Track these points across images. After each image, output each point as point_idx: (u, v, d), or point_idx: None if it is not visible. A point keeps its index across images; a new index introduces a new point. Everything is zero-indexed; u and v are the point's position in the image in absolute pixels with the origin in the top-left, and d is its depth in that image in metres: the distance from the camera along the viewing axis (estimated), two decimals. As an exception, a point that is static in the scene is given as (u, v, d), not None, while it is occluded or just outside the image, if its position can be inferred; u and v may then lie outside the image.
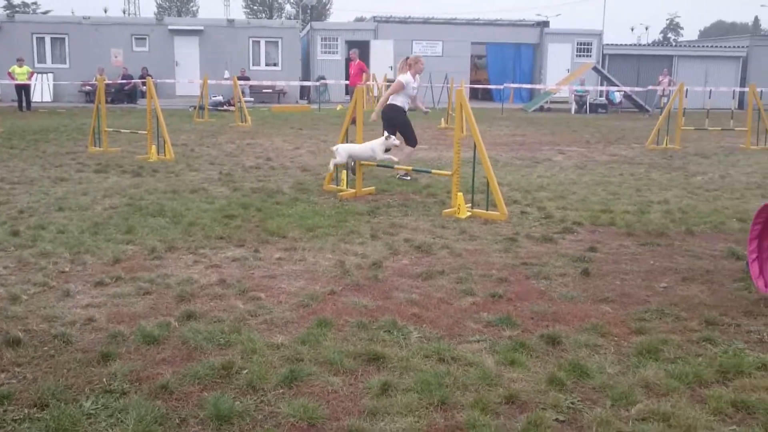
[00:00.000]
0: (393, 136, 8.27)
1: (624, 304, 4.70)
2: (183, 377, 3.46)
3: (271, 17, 70.68)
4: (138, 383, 3.40)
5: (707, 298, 4.83)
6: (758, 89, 16.06)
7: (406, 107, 9.78)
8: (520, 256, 5.88)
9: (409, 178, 9.67)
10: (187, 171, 10.26)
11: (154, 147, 11.52)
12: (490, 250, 6.04)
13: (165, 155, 11.43)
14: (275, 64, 30.42)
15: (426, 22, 33.37)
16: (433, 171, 8.57)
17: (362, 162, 8.54)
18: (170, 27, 29.60)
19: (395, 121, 9.67)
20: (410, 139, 9.84)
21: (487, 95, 33.38)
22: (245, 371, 3.52)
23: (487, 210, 7.42)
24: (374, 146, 8.36)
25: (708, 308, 4.60)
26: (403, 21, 33.03)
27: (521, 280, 5.20)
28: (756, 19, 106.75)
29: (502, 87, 28.34)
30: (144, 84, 12.74)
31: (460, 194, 7.48)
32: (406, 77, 9.54)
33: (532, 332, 4.15)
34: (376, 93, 27.44)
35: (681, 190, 9.21)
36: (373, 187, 8.77)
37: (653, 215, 7.55)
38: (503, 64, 33.58)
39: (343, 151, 8.38)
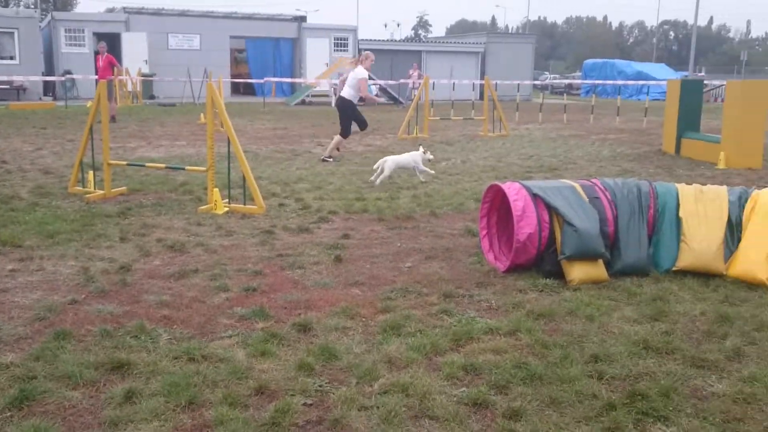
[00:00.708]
0: (429, 151, 9.32)
1: (372, 285, 4.95)
2: None
3: (6, 5, 63.75)
4: None
5: (446, 274, 5.25)
6: (493, 82, 17.74)
7: (356, 100, 11.39)
8: (276, 248, 5.93)
9: (332, 160, 11.29)
10: None
11: None
12: (247, 244, 6.03)
13: None
14: (12, 58, 27.53)
15: (182, 14, 32.25)
16: (188, 167, 8.33)
17: (110, 162, 8.05)
18: None
19: (347, 112, 11.31)
20: (361, 123, 11.57)
21: (249, 89, 33.13)
22: (-35, 398, 3.17)
23: (244, 204, 7.39)
24: (415, 158, 9.04)
25: (446, 283, 5.00)
26: (157, 13, 31.65)
27: (276, 272, 5.25)
28: (493, 18, 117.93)
29: (263, 81, 28.33)
30: None
31: (216, 190, 7.36)
32: (365, 72, 11.20)
33: (284, 322, 4.21)
34: (130, 88, 26.05)
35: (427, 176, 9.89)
36: (125, 187, 8.32)
37: (402, 200, 8.03)
38: (263, 58, 33.59)
39: (392, 163, 8.77)
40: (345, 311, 4.38)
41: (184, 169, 8.39)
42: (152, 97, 28.45)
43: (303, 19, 35.16)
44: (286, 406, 3.13)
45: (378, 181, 8.72)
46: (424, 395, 3.26)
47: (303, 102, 28.50)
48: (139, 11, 31.21)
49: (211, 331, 4.07)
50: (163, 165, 8.67)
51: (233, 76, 32.07)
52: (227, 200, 7.49)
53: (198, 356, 3.67)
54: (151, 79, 28.62)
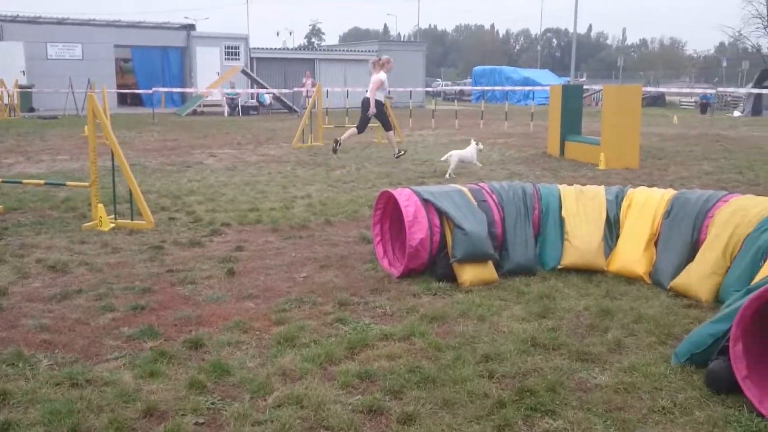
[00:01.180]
0: (480, 143, 11.09)
1: (267, 298, 4.88)
2: None
3: None
4: None
5: (341, 282, 5.25)
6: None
7: (383, 99, 12.63)
8: (166, 263, 5.75)
9: (403, 153, 12.83)
10: None
11: None
12: (135, 261, 5.81)
13: None
14: None
15: (61, 22, 30.86)
16: (69, 183, 7.94)
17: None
18: None
19: (378, 113, 12.52)
20: (387, 125, 13.02)
21: (137, 100, 32.05)
22: None
23: (132, 220, 7.12)
24: (473, 151, 10.82)
25: (341, 291, 5.00)
26: (34, 21, 30.13)
27: (166, 288, 5.08)
28: (385, 26, 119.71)
29: (151, 91, 27.47)
30: None
31: (100, 206, 7.04)
32: (383, 75, 12.25)
33: (175, 339, 4.08)
34: (6, 101, 24.65)
35: (322, 184, 9.89)
36: (0, 206, 7.84)
37: (297, 210, 7.97)
38: (151, 67, 32.62)
39: (456, 157, 10.58)
40: (238, 325, 4.29)
41: (65, 184, 8.00)
42: (32, 109, 27.03)
43: (192, 27, 34.40)
44: (176, 426, 3.03)
45: (447, 175, 10.39)
46: (318, 406, 3.24)
47: (194, 112, 27.86)
48: (14, 19, 29.62)
49: (96, 354, 3.89)
50: (42, 181, 8.24)
51: (119, 87, 30.96)
52: (113, 216, 7.20)
53: (81, 381, 3.49)
54: (29, 90, 27.18)
